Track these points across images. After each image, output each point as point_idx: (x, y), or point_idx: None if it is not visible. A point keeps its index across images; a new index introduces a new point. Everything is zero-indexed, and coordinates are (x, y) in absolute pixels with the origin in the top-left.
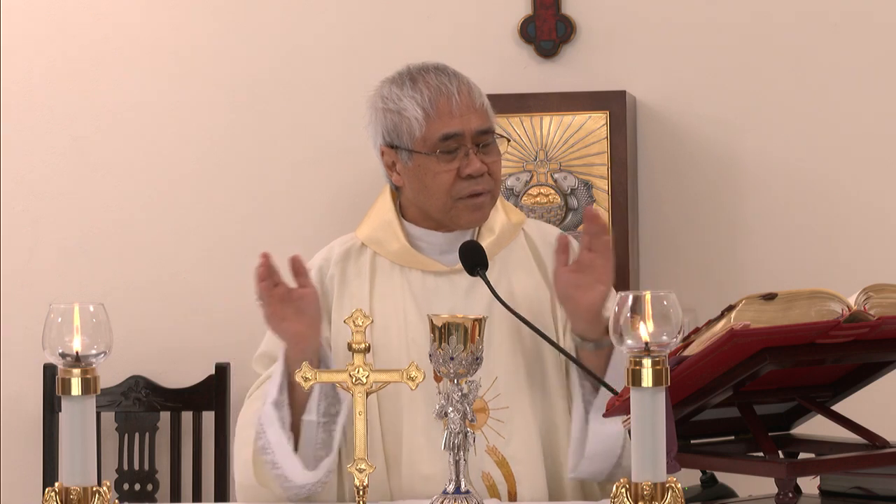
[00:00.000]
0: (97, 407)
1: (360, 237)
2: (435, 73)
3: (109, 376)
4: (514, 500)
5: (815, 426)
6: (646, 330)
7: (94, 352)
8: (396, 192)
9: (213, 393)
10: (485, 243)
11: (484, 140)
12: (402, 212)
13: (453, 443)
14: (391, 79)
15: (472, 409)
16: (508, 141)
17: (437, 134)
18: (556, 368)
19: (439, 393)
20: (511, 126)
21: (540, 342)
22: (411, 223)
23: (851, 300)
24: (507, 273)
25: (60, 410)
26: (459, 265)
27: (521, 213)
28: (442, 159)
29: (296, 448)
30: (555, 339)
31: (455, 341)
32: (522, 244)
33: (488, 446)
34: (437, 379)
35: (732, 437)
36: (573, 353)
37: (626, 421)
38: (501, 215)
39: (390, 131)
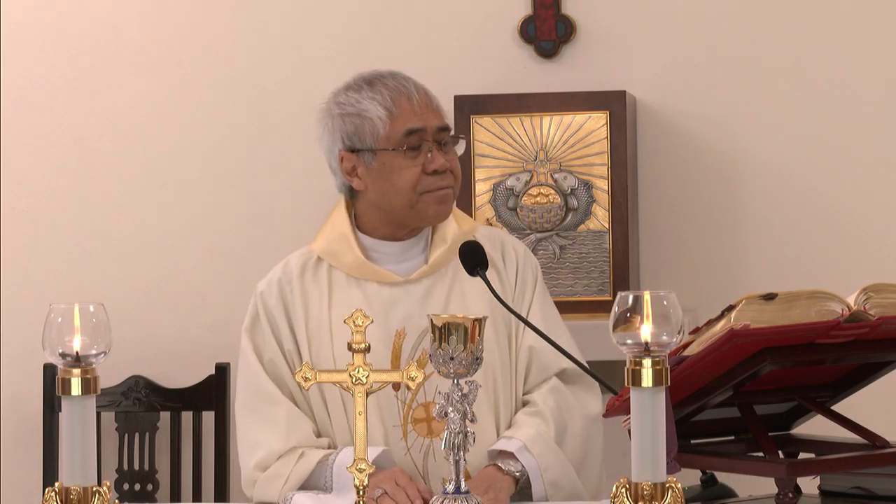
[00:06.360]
0: (97, 407)
1: (316, 250)
2: (390, 76)
3: (109, 376)
4: None
5: (815, 426)
6: (646, 330)
7: (94, 352)
8: (351, 202)
9: (213, 393)
10: (437, 253)
11: (443, 138)
12: (356, 223)
13: (453, 443)
14: (345, 86)
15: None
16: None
17: (401, 130)
18: (509, 375)
19: (440, 393)
20: (511, 126)
21: (497, 343)
22: (365, 234)
23: (851, 300)
24: (459, 280)
25: (60, 410)
26: (414, 274)
27: (472, 221)
28: (407, 155)
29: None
30: (512, 342)
31: (455, 341)
32: None
33: (445, 452)
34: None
35: (732, 437)
36: None
37: (626, 421)
38: (453, 225)
39: (351, 135)
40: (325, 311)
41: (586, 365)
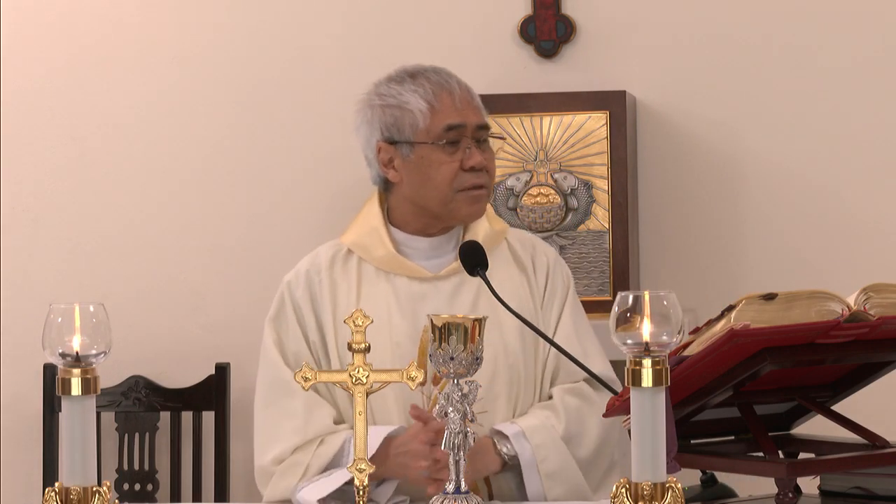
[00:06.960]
0: (97, 407)
1: (345, 243)
2: (433, 71)
3: (109, 376)
4: (492, 499)
5: (815, 426)
6: (646, 330)
7: (94, 352)
8: (385, 195)
9: (213, 393)
10: None
11: (482, 136)
12: (389, 217)
13: (453, 443)
14: (387, 78)
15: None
16: (503, 140)
17: (441, 124)
18: (532, 376)
19: (440, 393)
20: (511, 126)
21: (523, 347)
22: (397, 229)
23: (851, 300)
24: (490, 279)
25: (60, 410)
26: (444, 271)
27: (503, 223)
28: (446, 150)
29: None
30: (539, 343)
31: (455, 341)
32: (505, 251)
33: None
34: (435, 381)
35: (732, 437)
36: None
37: (626, 421)
38: (485, 224)
39: (390, 126)
40: (353, 303)
41: (595, 372)
